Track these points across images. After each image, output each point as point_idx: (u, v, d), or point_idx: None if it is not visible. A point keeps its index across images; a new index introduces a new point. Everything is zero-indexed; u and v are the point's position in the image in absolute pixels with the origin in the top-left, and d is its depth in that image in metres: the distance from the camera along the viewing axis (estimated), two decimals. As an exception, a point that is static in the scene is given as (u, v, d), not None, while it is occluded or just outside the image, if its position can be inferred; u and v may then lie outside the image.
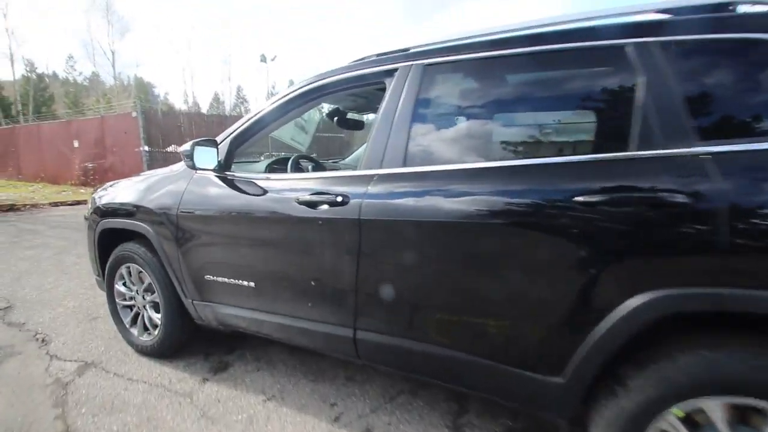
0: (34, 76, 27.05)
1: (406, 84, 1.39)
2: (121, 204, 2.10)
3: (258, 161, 2.35)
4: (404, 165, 1.34)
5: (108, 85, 36.00)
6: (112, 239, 2.18)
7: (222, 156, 1.75)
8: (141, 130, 10.64)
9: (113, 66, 40.51)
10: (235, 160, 1.93)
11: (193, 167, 1.73)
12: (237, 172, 1.77)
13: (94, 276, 2.44)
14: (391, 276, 1.36)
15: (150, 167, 9.01)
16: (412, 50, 1.44)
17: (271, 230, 1.61)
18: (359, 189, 1.39)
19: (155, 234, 1.91)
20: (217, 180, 1.76)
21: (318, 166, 2.25)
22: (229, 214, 1.69)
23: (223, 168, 1.76)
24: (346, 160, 3.29)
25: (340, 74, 1.60)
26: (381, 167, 1.38)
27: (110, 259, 2.19)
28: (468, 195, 1.20)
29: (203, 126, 11.89)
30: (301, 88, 1.67)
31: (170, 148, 10.74)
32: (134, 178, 2.20)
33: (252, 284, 1.68)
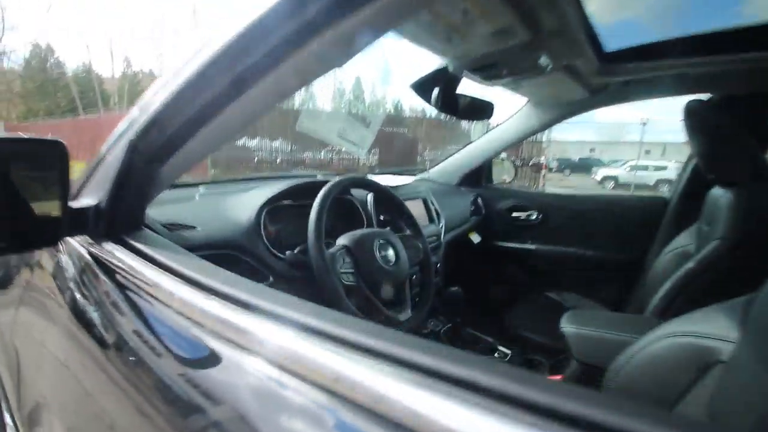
0: (131, 72, 29.47)
1: None
2: None
3: (250, 181, 1.19)
4: None
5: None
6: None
7: (101, 196, 0.57)
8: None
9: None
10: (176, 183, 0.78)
11: None
12: (161, 231, 0.60)
13: None
14: None
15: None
16: None
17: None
18: None
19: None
20: (88, 260, 0.59)
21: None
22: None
23: (105, 226, 0.58)
24: (431, 172, 2.02)
25: None
26: None
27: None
28: None
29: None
30: None
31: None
32: None
33: None
